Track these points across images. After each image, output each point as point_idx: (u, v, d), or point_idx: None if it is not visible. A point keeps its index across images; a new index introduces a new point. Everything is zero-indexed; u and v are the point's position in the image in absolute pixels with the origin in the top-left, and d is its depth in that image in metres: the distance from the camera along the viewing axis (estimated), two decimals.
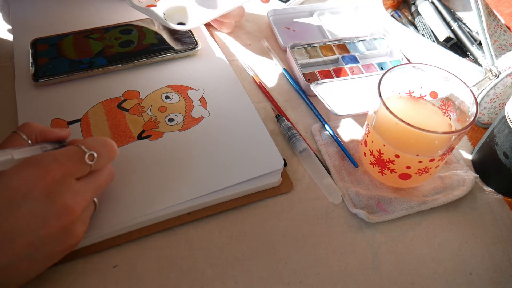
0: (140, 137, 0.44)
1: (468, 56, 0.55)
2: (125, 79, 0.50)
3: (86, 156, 0.33)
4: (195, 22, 0.54)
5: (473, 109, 0.37)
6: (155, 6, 0.54)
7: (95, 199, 0.35)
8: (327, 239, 0.39)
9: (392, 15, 0.61)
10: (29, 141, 0.34)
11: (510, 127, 0.40)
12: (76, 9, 0.59)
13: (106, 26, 0.55)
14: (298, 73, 0.53)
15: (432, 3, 0.60)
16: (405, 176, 0.40)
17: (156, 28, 0.56)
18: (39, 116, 0.45)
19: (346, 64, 0.56)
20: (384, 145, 0.39)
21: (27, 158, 0.31)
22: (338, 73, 0.54)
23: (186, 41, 0.54)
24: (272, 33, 0.61)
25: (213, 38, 0.58)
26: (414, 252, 0.39)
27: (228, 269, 0.37)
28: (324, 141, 0.47)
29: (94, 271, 0.36)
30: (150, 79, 0.50)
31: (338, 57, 0.56)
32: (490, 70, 0.48)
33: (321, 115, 0.50)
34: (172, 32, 0.55)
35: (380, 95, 0.37)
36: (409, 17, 0.62)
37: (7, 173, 0.30)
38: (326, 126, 0.48)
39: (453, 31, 0.57)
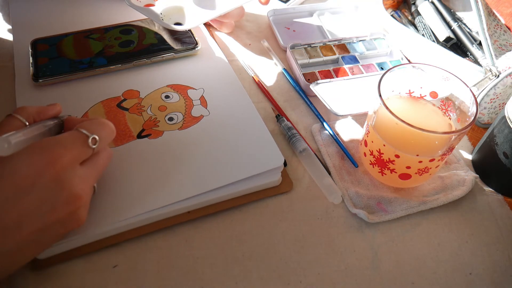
0: (140, 136, 0.44)
1: (468, 56, 0.55)
2: (125, 79, 0.50)
3: (90, 139, 0.33)
4: (192, 22, 0.54)
5: (473, 109, 0.37)
6: (153, 5, 0.54)
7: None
8: (327, 239, 0.39)
9: (392, 15, 0.61)
10: (27, 123, 0.34)
11: (510, 127, 0.40)
12: (76, 9, 0.59)
13: (106, 26, 0.55)
14: (298, 73, 0.53)
15: (432, 3, 0.60)
16: (405, 176, 0.40)
17: (156, 28, 0.56)
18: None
19: (346, 64, 0.56)
20: (384, 145, 0.39)
21: (32, 144, 0.30)
22: (338, 73, 0.54)
23: (186, 41, 0.54)
24: (272, 33, 0.61)
25: (213, 38, 0.58)
26: (414, 252, 0.39)
27: (228, 269, 0.37)
28: (324, 141, 0.47)
29: (94, 271, 0.36)
30: (150, 78, 0.50)
31: (338, 57, 0.56)
32: (490, 70, 0.48)
33: (321, 115, 0.50)
34: (172, 32, 0.55)
35: (380, 95, 0.37)
36: (409, 17, 0.62)
37: (13, 160, 0.29)
38: (326, 126, 0.48)
39: (453, 31, 0.57)
